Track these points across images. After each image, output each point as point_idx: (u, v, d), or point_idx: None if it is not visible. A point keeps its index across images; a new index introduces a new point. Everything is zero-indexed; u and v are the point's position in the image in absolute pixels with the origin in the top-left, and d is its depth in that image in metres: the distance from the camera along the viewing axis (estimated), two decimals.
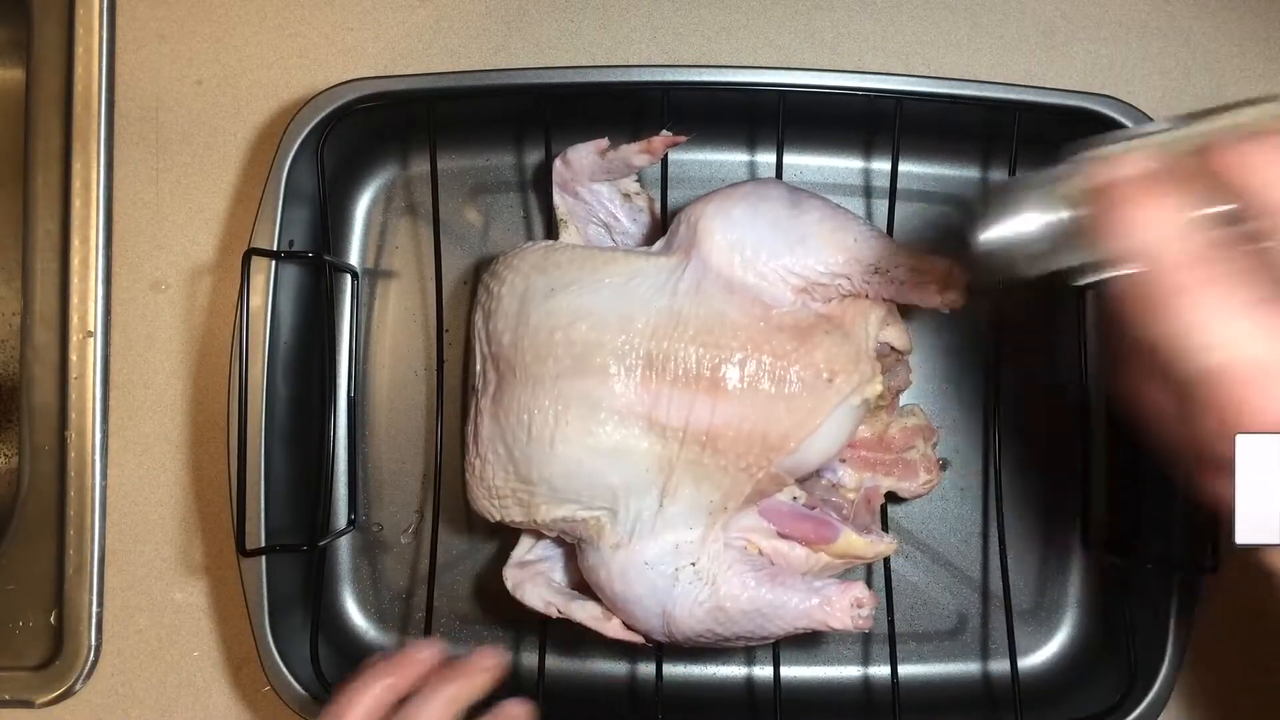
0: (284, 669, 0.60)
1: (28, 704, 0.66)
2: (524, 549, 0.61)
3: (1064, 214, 0.39)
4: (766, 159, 0.68)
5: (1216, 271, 0.37)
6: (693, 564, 0.54)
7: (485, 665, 0.54)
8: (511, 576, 0.59)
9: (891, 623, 0.61)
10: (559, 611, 0.58)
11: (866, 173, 0.68)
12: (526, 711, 0.54)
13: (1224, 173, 0.37)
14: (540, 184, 0.68)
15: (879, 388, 0.54)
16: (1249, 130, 0.37)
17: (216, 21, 0.69)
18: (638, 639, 0.57)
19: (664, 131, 0.59)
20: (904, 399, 0.63)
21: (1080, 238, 0.39)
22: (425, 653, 0.53)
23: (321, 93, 0.61)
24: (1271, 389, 0.36)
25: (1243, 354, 0.36)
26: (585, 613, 0.57)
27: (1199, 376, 0.37)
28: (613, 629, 0.57)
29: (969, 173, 0.68)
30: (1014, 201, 0.40)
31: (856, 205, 0.68)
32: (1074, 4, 0.68)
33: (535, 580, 0.59)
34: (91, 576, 0.67)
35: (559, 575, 0.61)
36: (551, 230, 0.62)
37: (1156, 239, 0.37)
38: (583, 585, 0.59)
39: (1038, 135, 0.63)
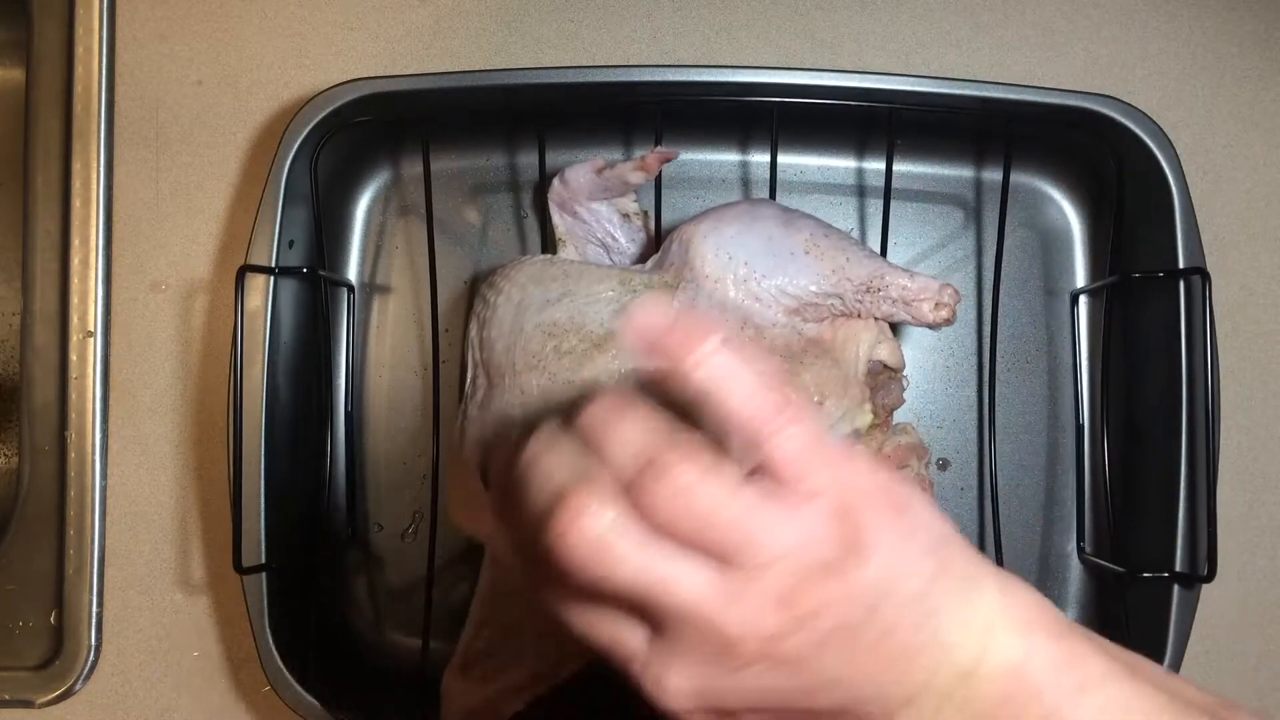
0: (284, 669, 0.60)
1: (28, 704, 0.66)
2: (463, 645, 0.56)
3: None
4: (764, 159, 0.68)
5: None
6: None
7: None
8: (448, 686, 0.55)
9: None
10: None
11: (865, 173, 0.68)
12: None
13: None
14: (538, 190, 0.68)
15: (869, 418, 0.54)
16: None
17: (216, 21, 0.69)
18: None
19: (658, 148, 0.59)
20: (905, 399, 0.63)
21: None
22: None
23: (321, 93, 0.61)
24: (660, 678, 0.35)
25: (627, 649, 0.35)
26: None
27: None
28: None
29: (965, 172, 0.68)
30: None
31: (854, 205, 0.68)
32: (1074, 4, 0.68)
33: (470, 693, 0.54)
34: (91, 576, 0.67)
35: (500, 681, 0.54)
36: (547, 246, 0.62)
37: (519, 558, 0.37)
38: (535, 676, 0.56)
39: (1032, 135, 0.64)
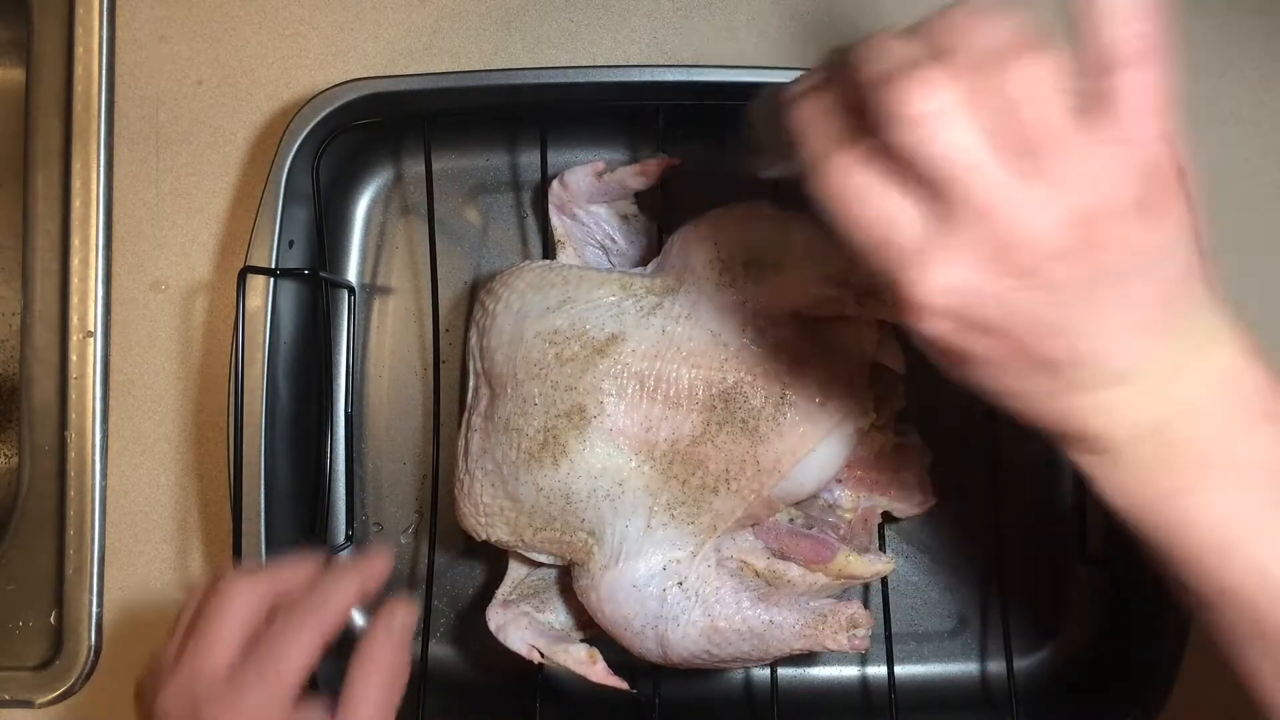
0: None
1: (28, 704, 0.66)
2: (509, 586, 0.61)
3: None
4: None
5: (867, 155, 0.36)
6: (679, 584, 0.54)
7: (371, 570, 0.50)
8: (495, 618, 0.59)
9: (888, 624, 0.61)
10: (541, 656, 0.57)
11: None
12: (410, 612, 0.50)
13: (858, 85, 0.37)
14: (539, 190, 0.68)
15: (871, 419, 0.54)
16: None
17: (216, 21, 0.69)
18: (621, 684, 0.57)
19: (660, 154, 0.59)
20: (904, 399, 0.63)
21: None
22: (303, 569, 0.50)
23: (321, 93, 0.61)
24: (929, 268, 0.35)
25: (899, 234, 0.35)
26: (570, 657, 0.57)
27: (872, 258, 0.37)
28: (598, 673, 0.56)
29: None
30: (762, 116, 0.44)
31: None
32: (1073, 3, 0.68)
33: (519, 622, 0.58)
34: (91, 576, 0.67)
35: (547, 615, 0.60)
36: (548, 249, 0.62)
37: (815, 132, 0.38)
38: (579, 621, 0.59)
39: None
